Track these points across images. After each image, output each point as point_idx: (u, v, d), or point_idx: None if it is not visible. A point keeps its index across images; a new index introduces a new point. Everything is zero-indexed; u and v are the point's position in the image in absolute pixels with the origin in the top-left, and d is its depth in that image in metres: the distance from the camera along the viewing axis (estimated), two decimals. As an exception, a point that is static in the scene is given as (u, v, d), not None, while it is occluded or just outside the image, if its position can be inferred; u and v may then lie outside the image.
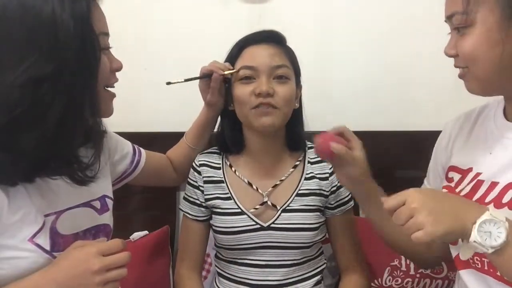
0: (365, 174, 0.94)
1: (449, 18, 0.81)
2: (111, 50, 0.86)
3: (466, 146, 0.93)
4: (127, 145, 1.11)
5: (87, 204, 0.88)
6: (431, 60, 1.44)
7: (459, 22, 0.79)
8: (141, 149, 1.16)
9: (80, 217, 0.86)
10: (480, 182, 0.84)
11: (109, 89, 0.87)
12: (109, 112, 0.88)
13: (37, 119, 0.72)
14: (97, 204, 0.91)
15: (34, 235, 0.77)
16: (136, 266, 1.32)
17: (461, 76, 0.84)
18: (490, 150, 0.86)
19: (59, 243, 0.79)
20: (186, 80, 1.12)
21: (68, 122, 0.74)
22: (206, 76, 1.12)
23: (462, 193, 0.87)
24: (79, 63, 0.73)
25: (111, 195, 0.96)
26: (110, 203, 0.95)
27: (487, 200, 0.81)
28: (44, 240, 0.78)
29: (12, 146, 0.72)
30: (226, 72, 1.09)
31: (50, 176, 0.78)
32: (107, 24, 0.84)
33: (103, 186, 0.94)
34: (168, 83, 1.10)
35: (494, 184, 0.82)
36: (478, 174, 0.86)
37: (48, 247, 0.78)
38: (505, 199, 0.79)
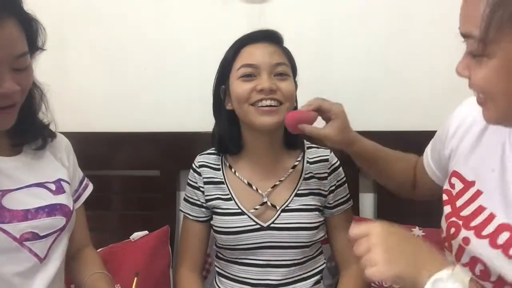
0: (345, 129, 1.01)
1: (463, 36, 0.69)
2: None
3: (473, 153, 0.85)
4: (79, 172, 1.10)
5: (41, 185, 0.93)
6: (430, 61, 1.45)
7: (474, 49, 0.67)
8: (88, 186, 1.12)
9: (31, 196, 0.91)
10: (482, 209, 0.78)
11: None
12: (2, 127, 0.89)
13: None
14: (52, 186, 0.95)
15: None
16: (136, 266, 1.32)
17: (479, 103, 0.73)
18: (493, 167, 0.78)
19: (4, 215, 0.85)
20: None
21: None
22: None
23: (462, 213, 0.81)
24: None
25: (68, 180, 1.00)
26: (67, 186, 0.99)
27: (484, 233, 0.76)
28: None
29: None
30: None
31: None
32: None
33: (59, 172, 0.99)
34: None
35: (491, 217, 0.76)
36: (479, 193, 0.80)
37: None
38: (500, 240, 0.73)
